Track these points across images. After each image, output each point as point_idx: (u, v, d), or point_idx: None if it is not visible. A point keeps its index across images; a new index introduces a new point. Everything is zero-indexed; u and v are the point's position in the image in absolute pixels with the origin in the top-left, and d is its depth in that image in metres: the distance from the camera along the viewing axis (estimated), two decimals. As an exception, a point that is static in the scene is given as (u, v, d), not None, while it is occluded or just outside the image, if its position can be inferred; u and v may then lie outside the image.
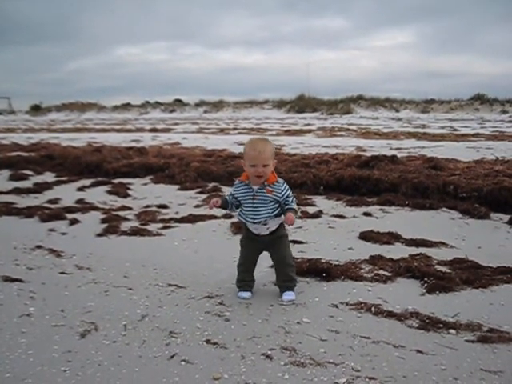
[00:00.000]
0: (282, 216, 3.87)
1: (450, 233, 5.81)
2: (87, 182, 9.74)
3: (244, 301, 3.92)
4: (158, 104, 57.83)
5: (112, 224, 6.33)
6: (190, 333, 3.40)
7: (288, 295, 3.91)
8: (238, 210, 4.03)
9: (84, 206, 7.48)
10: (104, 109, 58.22)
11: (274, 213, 3.87)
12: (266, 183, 3.84)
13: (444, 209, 6.87)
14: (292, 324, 3.51)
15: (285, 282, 3.98)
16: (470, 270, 4.48)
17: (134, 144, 15.69)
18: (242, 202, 3.93)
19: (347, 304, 3.83)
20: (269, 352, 3.12)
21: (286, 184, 3.91)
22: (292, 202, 3.86)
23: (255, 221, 3.87)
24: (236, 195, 3.95)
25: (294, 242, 5.45)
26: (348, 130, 24.02)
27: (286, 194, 3.86)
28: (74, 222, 6.53)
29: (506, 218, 6.44)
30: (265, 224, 3.88)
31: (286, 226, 4.00)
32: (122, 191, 8.71)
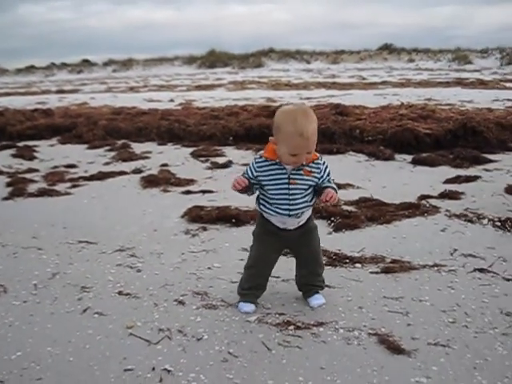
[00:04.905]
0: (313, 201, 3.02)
1: (357, 175, 5.99)
2: (-10, 146, 9.36)
3: (155, 251, 3.93)
4: (64, 65, 55.67)
5: (18, 187, 6.12)
6: (101, 286, 3.38)
7: (318, 299, 3.08)
8: (256, 195, 3.06)
9: (-13, 171, 7.19)
10: (6, 72, 55.56)
11: (312, 201, 2.98)
12: (304, 163, 2.86)
13: (351, 152, 7.08)
14: (203, 270, 3.56)
15: (314, 286, 3.14)
16: (375, 208, 4.66)
17: (39, 106, 15.13)
18: (268, 188, 2.91)
19: (257, 247, 3.89)
20: (181, 298, 3.16)
21: (324, 161, 2.94)
22: (330, 181, 2.94)
23: (291, 213, 2.90)
24: (260, 178, 2.90)
25: (204, 191, 5.51)
26: (259, 82, 24.06)
27: (326, 174, 2.92)
28: (-24, 187, 6.27)
29: (410, 158, 6.70)
30: (298, 216, 2.96)
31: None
32: (27, 154, 8.42)
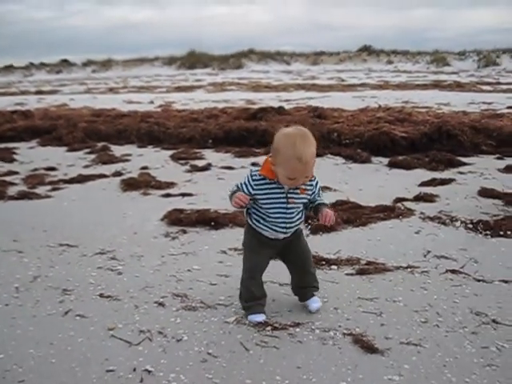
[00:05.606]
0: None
1: (334, 177, 6.09)
2: (-31, 149, 9.30)
3: (136, 254, 3.98)
4: (43, 65, 55.19)
5: (-2, 189, 6.12)
6: (83, 289, 3.43)
7: (316, 302, 3.09)
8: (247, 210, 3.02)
9: (-33, 174, 7.16)
10: (-16, 72, 55.04)
11: (303, 216, 3.04)
12: None
13: (329, 155, 7.17)
14: (183, 272, 3.62)
15: (310, 287, 3.14)
16: (351, 211, 4.75)
17: (18, 107, 15.05)
18: (265, 206, 2.88)
19: (235, 250, 3.97)
20: (161, 300, 3.22)
21: (315, 176, 2.95)
22: (320, 195, 3.01)
23: (288, 230, 2.94)
24: (258, 197, 2.88)
25: (184, 194, 5.56)
26: (238, 84, 24.17)
27: (317, 189, 2.97)
28: (-44, 190, 6.24)
29: (386, 161, 6.82)
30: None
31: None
32: (7, 156, 8.40)
